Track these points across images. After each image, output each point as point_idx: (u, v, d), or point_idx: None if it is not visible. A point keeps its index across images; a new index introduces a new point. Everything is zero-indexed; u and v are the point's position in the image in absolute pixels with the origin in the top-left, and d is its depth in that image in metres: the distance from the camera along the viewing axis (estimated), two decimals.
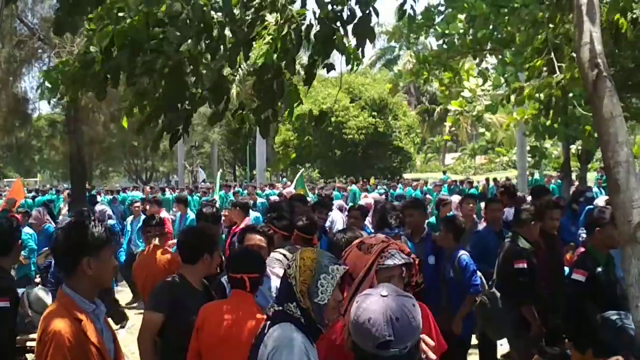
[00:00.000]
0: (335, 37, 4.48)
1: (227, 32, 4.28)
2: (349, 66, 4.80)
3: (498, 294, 5.99)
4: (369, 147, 41.09)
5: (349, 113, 38.69)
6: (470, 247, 7.07)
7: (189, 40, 4.24)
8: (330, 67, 4.83)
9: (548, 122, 8.26)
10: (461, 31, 8.32)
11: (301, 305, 2.84)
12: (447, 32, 8.37)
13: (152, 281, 5.54)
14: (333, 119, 37.47)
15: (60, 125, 34.02)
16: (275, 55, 4.11)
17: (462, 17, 8.34)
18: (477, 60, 9.21)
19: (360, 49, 4.57)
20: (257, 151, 32.68)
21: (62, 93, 4.61)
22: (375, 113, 41.25)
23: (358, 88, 41.50)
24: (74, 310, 2.98)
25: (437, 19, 8.77)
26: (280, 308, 2.91)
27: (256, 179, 33.32)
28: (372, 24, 4.51)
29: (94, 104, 19.21)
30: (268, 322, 2.94)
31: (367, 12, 4.44)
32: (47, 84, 4.49)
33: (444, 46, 8.66)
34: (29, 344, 6.22)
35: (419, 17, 8.97)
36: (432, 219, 9.77)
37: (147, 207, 12.32)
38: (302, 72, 4.88)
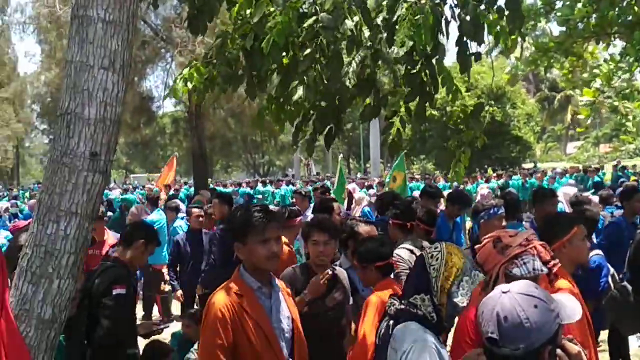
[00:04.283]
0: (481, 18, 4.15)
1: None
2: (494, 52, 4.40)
3: (629, 287, 5.74)
4: (486, 137, 39.92)
5: (465, 102, 37.79)
6: (603, 237, 6.83)
7: (347, 23, 4.10)
8: (478, 57, 4.50)
9: None
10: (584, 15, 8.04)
11: (435, 300, 2.73)
12: (570, 17, 8.10)
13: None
14: (448, 109, 36.88)
15: (182, 122, 35.44)
16: (421, 38, 3.89)
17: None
18: (602, 44, 8.86)
19: (514, 32, 4.32)
20: (371, 143, 31.47)
21: (200, 93, 4.70)
22: (492, 102, 40.17)
23: (474, 77, 40.27)
24: (239, 286, 3.19)
25: (558, 4, 8.51)
26: (403, 306, 2.80)
27: (370, 172, 33.04)
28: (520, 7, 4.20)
29: (215, 101, 19.96)
30: (391, 322, 2.83)
31: None
32: (179, 86, 4.58)
33: (567, 31, 8.39)
34: None
35: (538, 3, 8.75)
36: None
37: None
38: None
